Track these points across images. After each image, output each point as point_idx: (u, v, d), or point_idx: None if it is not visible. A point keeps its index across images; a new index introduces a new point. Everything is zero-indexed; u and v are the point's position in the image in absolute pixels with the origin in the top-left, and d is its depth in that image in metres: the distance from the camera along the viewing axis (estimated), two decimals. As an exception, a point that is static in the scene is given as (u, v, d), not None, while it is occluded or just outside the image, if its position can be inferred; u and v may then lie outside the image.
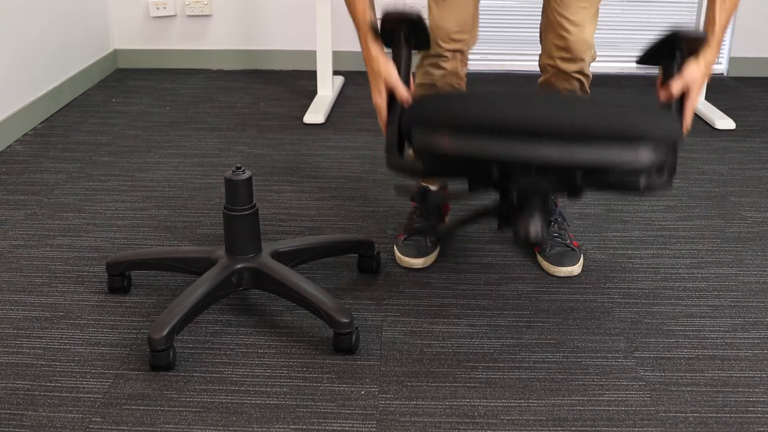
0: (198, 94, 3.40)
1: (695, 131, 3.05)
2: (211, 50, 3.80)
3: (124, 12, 3.73)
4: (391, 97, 1.66)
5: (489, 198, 2.39)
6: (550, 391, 1.57)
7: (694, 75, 1.60)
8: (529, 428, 1.47)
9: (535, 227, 1.55)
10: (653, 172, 1.52)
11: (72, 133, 2.95)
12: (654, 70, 3.94)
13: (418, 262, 1.99)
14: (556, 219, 2.06)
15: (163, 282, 1.94)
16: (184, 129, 2.98)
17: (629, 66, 3.95)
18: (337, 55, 3.75)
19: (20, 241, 2.13)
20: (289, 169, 2.61)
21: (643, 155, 1.45)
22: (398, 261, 2.02)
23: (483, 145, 1.45)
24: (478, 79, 3.70)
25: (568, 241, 2.02)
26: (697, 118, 3.21)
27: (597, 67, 3.93)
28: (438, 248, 2.05)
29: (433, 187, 2.06)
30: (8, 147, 2.81)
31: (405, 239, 2.04)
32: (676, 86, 1.60)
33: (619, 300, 1.89)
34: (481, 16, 3.66)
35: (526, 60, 3.88)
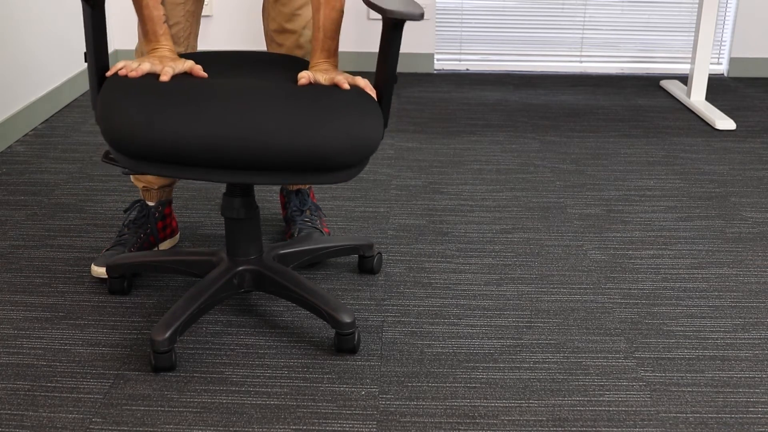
0: (198, 94, 3.40)
1: (695, 131, 3.05)
2: (211, 51, 3.80)
3: (125, 12, 3.73)
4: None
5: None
6: (550, 391, 1.57)
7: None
8: (530, 429, 1.47)
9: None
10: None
11: (72, 133, 2.95)
12: (654, 70, 3.94)
13: (102, 271, 1.93)
14: (309, 207, 2.12)
15: (163, 282, 1.94)
16: (185, 129, 2.98)
17: (629, 66, 3.95)
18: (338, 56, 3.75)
19: (21, 241, 2.13)
20: (290, 170, 2.61)
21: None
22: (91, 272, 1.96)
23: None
24: (478, 79, 3.71)
25: (318, 226, 2.08)
26: (697, 118, 3.22)
27: (598, 67, 3.94)
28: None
29: (150, 203, 2.05)
30: (9, 147, 2.81)
31: (107, 250, 1.99)
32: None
33: (619, 300, 1.89)
34: (481, 16, 3.66)
35: (526, 60, 3.88)
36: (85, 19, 1.59)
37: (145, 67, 1.58)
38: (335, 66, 1.68)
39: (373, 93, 1.62)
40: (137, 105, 1.47)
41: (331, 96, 1.55)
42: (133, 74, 1.56)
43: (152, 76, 1.57)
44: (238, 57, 1.80)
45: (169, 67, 1.59)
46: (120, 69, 1.58)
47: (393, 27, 1.57)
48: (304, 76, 1.60)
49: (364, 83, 1.62)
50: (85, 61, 1.64)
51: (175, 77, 1.58)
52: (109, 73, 1.60)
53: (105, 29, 1.61)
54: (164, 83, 1.54)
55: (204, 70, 1.66)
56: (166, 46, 1.66)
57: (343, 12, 1.66)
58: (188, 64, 1.62)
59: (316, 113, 1.49)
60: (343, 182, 1.57)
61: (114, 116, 1.47)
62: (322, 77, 1.62)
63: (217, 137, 1.45)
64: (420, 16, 1.52)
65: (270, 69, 1.71)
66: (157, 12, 1.65)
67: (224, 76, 1.63)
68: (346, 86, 1.60)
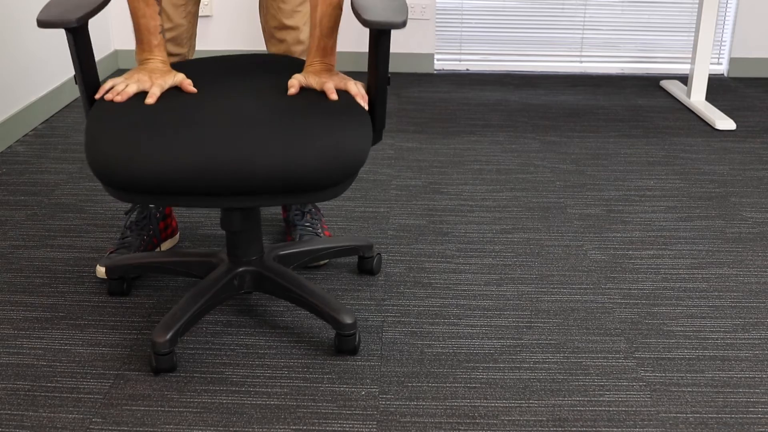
0: (198, 94, 3.40)
1: (695, 131, 3.05)
2: (212, 51, 3.80)
3: (125, 13, 3.73)
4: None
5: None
6: (550, 391, 1.57)
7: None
8: (530, 429, 1.47)
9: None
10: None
11: (72, 133, 2.95)
12: (654, 70, 3.94)
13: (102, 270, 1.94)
14: (309, 211, 2.12)
15: (163, 283, 1.94)
16: (185, 129, 2.98)
17: (629, 66, 3.95)
18: (337, 56, 3.75)
19: (21, 241, 2.13)
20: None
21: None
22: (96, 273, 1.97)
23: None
24: (478, 79, 3.71)
25: (319, 231, 2.08)
26: (697, 118, 3.22)
27: (598, 67, 3.94)
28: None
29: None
30: (9, 148, 2.81)
31: (111, 252, 2.00)
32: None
33: (619, 300, 1.89)
34: (481, 16, 3.66)
35: (526, 60, 3.88)
36: (69, 43, 1.57)
37: (132, 89, 1.57)
38: (332, 66, 1.66)
39: (364, 101, 1.58)
40: (119, 138, 1.46)
41: (316, 111, 1.51)
42: (118, 99, 1.55)
43: (138, 99, 1.55)
44: (231, 63, 1.78)
45: (156, 86, 1.57)
46: (107, 92, 1.57)
47: (379, 33, 1.53)
48: (294, 85, 1.59)
49: (355, 90, 1.59)
50: (76, 83, 1.61)
51: (162, 98, 1.56)
52: (97, 96, 1.58)
53: (91, 51, 1.58)
54: (149, 106, 1.53)
55: (194, 82, 1.65)
56: (158, 58, 1.64)
57: (341, 9, 1.63)
58: (178, 78, 1.61)
59: (298, 133, 1.46)
60: (331, 199, 1.54)
61: (97, 150, 1.46)
62: (314, 80, 1.60)
63: (195, 169, 1.43)
64: (402, 24, 1.48)
65: (262, 76, 1.69)
66: (153, 22, 1.62)
67: (212, 91, 1.61)
68: (334, 96, 1.56)
